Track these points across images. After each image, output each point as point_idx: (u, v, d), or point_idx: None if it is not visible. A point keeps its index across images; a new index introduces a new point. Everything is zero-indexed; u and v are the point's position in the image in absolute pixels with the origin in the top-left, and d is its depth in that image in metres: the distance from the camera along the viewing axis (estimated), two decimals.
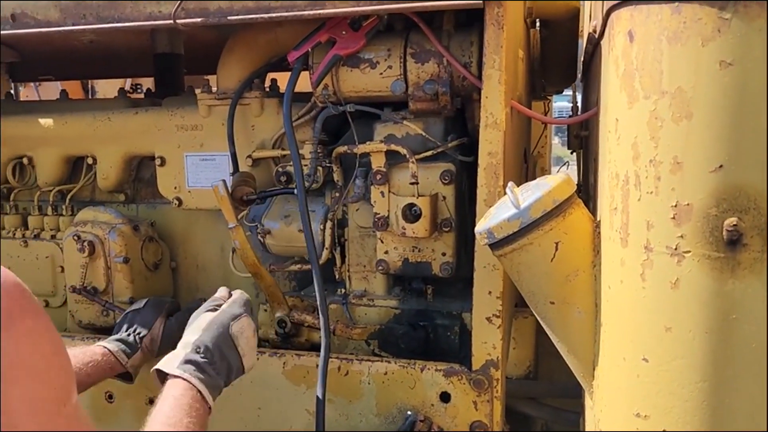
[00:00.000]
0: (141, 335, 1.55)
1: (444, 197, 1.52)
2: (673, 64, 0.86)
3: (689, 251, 0.86)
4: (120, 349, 1.50)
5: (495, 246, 1.09)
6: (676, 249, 0.87)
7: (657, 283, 0.89)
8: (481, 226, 1.12)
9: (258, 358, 1.54)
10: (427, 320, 1.60)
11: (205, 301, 1.85)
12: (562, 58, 2.21)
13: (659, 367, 0.90)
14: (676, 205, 0.87)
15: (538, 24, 2.13)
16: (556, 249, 1.05)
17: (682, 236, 0.87)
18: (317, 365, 1.41)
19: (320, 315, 1.42)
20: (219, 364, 1.26)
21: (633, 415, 0.94)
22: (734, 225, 0.83)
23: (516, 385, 2.22)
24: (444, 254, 1.54)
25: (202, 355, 1.24)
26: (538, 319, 1.13)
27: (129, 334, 1.55)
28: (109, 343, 1.52)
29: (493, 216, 1.10)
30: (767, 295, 0.83)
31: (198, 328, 1.31)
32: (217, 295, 1.45)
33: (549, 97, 2.88)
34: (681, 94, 0.85)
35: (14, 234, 1.94)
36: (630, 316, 0.94)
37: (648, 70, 0.88)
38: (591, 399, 1.10)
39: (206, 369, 1.22)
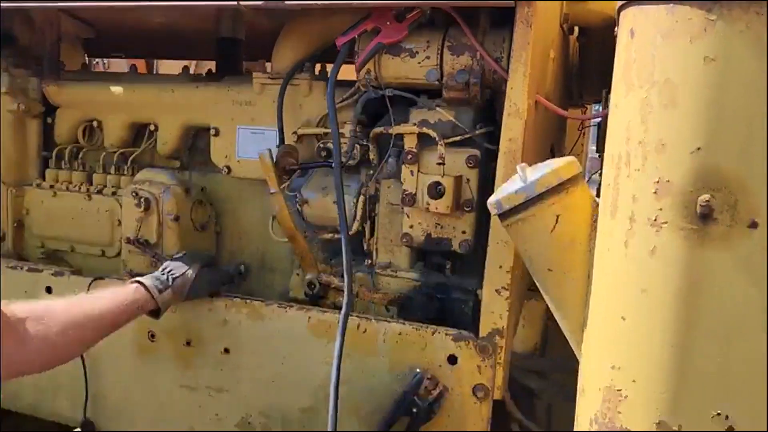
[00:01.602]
0: (174, 275, 1.71)
1: (468, 179, 1.65)
2: (664, 58, 0.97)
3: (666, 222, 0.98)
4: (153, 284, 1.67)
5: (502, 216, 1.22)
6: (655, 220, 0.99)
7: (637, 250, 1.01)
8: (492, 198, 1.25)
9: (286, 311, 1.71)
10: (444, 293, 1.73)
11: (244, 264, 2.03)
12: (598, 66, 2.31)
13: (634, 325, 1.02)
14: (658, 182, 0.98)
15: (576, 32, 2.24)
16: (557, 222, 1.17)
17: (661, 209, 0.98)
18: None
19: (345, 273, 1.57)
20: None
21: (609, 368, 1.05)
22: (707, 201, 0.94)
23: (521, 359, 2.31)
24: (464, 232, 1.67)
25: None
26: (537, 285, 1.25)
27: (163, 273, 1.72)
28: (144, 279, 1.68)
29: (504, 189, 1.23)
30: (733, 265, 0.94)
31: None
32: None
33: (587, 105, 2.96)
34: (669, 84, 0.97)
35: (80, 188, 2.15)
36: (612, 280, 1.06)
37: (643, 62, 1.00)
38: (579, 359, 1.21)
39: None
